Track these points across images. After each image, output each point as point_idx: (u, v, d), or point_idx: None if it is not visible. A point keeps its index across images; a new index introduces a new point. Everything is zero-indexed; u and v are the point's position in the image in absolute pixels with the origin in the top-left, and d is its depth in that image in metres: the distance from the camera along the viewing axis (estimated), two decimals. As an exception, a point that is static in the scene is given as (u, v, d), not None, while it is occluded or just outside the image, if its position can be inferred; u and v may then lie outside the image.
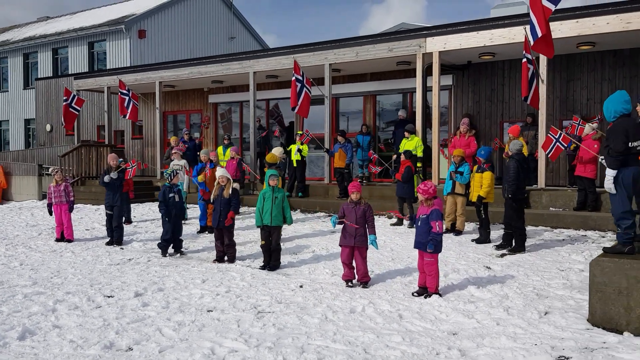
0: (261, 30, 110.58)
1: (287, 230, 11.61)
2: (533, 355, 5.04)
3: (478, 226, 10.22)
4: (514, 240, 9.32)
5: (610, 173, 5.86)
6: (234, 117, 19.72)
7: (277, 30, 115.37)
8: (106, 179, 10.69)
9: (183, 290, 7.36)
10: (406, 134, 13.26)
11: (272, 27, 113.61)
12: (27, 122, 31.33)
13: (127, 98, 17.25)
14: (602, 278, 5.68)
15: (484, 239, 9.94)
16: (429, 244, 6.72)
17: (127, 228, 12.57)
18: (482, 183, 9.82)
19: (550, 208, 11.62)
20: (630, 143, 5.80)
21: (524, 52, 10.64)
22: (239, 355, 5.09)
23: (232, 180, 9.36)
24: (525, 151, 11.49)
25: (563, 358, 4.95)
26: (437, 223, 6.68)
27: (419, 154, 13.20)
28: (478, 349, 5.23)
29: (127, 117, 18.17)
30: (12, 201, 19.44)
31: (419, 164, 13.34)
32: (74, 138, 21.40)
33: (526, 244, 9.51)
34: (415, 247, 7.09)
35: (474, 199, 10.00)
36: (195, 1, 31.40)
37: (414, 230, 10.97)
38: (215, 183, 9.27)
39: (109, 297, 7.07)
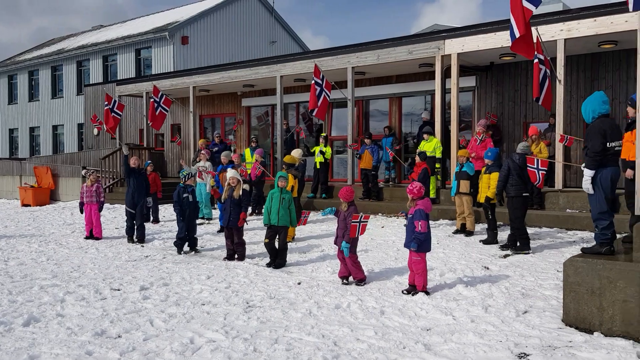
0: (313, 33, 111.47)
1: (303, 230, 11.96)
2: (494, 351, 5.17)
3: (486, 227, 10.26)
4: (517, 241, 9.35)
5: (587, 173, 5.90)
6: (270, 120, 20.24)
7: (329, 32, 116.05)
8: (124, 149, 11.73)
9: (186, 286, 7.79)
10: (425, 135, 13.37)
11: (324, 30, 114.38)
12: (80, 126, 32.90)
13: (157, 105, 17.94)
14: (576, 278, 5.73)
15: (491, 239, 9.98)
16: (412, 243, 6.91)
17: (153, 227, 13.25)
18: (489, 184, 9.86)
19: (567, 210, 11.49)
20: (608, 143, 5.83)
21: (535, 52, 10.59)
22: (215, 345, 5.44)
23: (242, 182, 9.76)
24: (545, 153, 11.48)
25: (523, 355, 5.07)
26: (420, 222, 6.86)
27: (438, 155, 13.28)
28: (444, 344, 5.40)
29: (150, 124, 18.92)
30: (59, 202, 20.57)
31: (437, 165, 13.43)
32: (116, 142, 22.44)
33: (535, 245, 9.51)
34: (404, 246, 7.28)
35: (481, 199, 10.06)
36: (236, 7, 32.24)
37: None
38: (226, 184, 9.70)
39: (117, 290, 7.58)
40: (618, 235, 7.59)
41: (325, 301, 6.91)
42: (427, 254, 9.20)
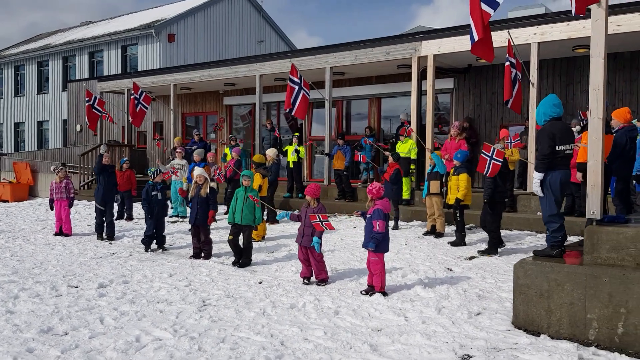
0: (308, 33, 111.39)
1: (274, 230, 11.93)
2: (439, 352, 5.16)
3: (454, 229, 10.26)
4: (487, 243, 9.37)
5: (536, 176, 5.91)
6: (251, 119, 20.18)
7: (324, 33, 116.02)
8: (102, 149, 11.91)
9: (146, 284, 7.73)
10: (400, 137, 13.37)
11: (319, 30, 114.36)
12: (65, 122, 32.69)
13: (137, 102, 17.86)
14: (525, 280, 5.73)
15: (459, 241, 9.97)
16: (370, 243, 6.89)
17: (126, 224, 13.18)
18: (458, 185, 9.87)
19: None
20: (557, 147, 5.83)
21: (507, 55, 10.61)
22: (160, 343, 5.40)
23: (209, 180, 9.72)
24: (516, 156, 11.50)
25: (466, 356, 5.06)
26: (378, 222, 6.84)
27: (413, 156, 13.28)
28: (391, 345, 5.38)
29: (131, 121, 18.83)
30: (38, 198, 20.43)
31: (412, 166, 13.43)
32: (97, 138, 22.30)
33: (503, 248, 9.51)
34: (362, 246, 7.27)
35: (451, 201, 10.06)
36: (224, 6, 32.14)
37: (398, 232, 11.18)
38: (193, 182, 9.65)
39: (74, 287, 7.51)
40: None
41: (282, 301, 6.88)
42: (393, 254, 9.30)
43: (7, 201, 19.80)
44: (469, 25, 12.92)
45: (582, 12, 5.79)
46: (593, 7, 5.73)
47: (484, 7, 7.04)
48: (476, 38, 7.24)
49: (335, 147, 14.52)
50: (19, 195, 20.15)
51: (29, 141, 34.78)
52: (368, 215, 7.07)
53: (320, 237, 7.59)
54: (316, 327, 5.90)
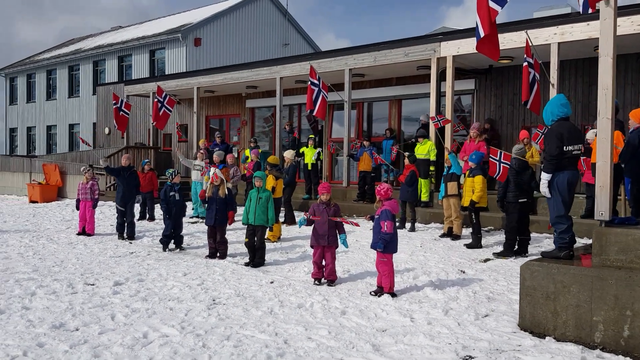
0: (335, 35, 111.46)
1: (292, 231, 12.01)
2: (441, 353, 5.15)
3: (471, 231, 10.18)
4: (503, 245, 9.29)
5: (544, 177, 5.84)
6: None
7: (351, 35, 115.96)
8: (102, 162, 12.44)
9: (160, 282, 7.87)
10: (419, 138, 13.32)
11: (347, 32, 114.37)
12: (94, 125, 33.39)
13: (160, 105, 18.15)
14: (532, 282, 5.68)
15: (475, 244, 9.89)
16: (378, 243, 6.90)
17: (148, 224, 13.43)
18: (473, 187, 9.79)
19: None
20: (565, 147, 5.76)
21: (525, 55, 10.49)
22: (166, 339, 5.50)
23: (225, 181, 9.84)
24: (537, 157, 11.37)
25: (468, 357, 5.04)
26: (385, 223, 6.85)
27: (432, 157, 13.21)
28: (394, 345, 5.39)
29: (154, 124, 19.14)
30: (66, 198, 20.90)
31: (432, 168, 13.36)
32: (124, 140, 22.75)
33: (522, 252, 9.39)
34: (371, 247, 7.28)
35: (466, 203, 9.98)
36: (249, 9, 32.46)
37: (414, 234, 11.15)
38: (209, 183, 9.79)
39: (91, 284, 7.69)
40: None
41: (290, 300, 6.93)
42: (407, 256, 9.30)
43: (37, 202, 20.32)
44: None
45: (593, 9, 5.72)
46: (601, 5, 5.65)
47: (492, 4, 6.99)
48: (482, 34, 7.17)
49: (361, 149, 14.55)
50: (48, 196, 20.66)
51: (60, 143, 35.62)
52: (376, 216, 7.09)
53: (343, 232, 7.79)
54: (321, 326, 5.94)
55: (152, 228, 12.92)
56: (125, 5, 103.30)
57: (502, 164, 8.43)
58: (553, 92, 11.58)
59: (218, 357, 5.07)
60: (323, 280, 7.89)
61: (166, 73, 28.42)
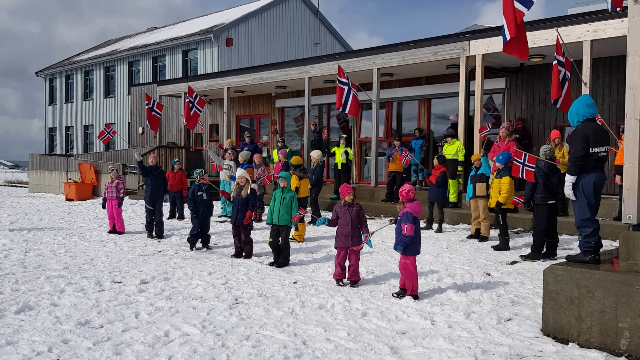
0: (369, 34, 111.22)
1: (318, 230, 12.02)
2: (459, 357, 5.09)
3: (498, 233, 10.02)
4: (530, 247, 9.13)
5: (569, 179, 5.70)
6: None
7: (384, 33, 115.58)
8: (136, 156, 12.34)
9: (185, 281, 7.99)
10: (447, 138, 13.18)
11: (379, 30, 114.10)
12: (129, 125, 34.03)
13: (191, 105, 18.39)
14: (555, 286, 5.56)
15: (502, 245, 9.74)
16: (398, 246, 6.86)
17: (177, 223, 13.63)
18: (500, 188, 9.64)
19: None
20: (590, 149, 5.62)
21: (555, 54, 10.27)
22: (186, 338, 5.58)
23: (250, 181, 9.91)
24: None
25: (487, 362, 4.97)
26: (405, 225, 6.80)
27: (460, 157, 13.06)
28: (412, 348, 5.35)
29: (185, 124, 19.39)
30: (101, 197, 21.33)
31: (460, 168, 13.21)
32: (157, 140, 23.14)
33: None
34: (394, 248, 7.23)
35: (492, 204, 9.84)
36: (281, 9, 32.60)
37: (441, 235, 11.05)
38: (235, 183, 9.88)
39: (118, 282, 7.86)
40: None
41: (312, 301, 6.94)
42: (432, 258, 9.21)
43: (73, 200, 20.85)
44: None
45: (619, 7, 5.57)
46: (630, 3, 5.49)
47: (517, 5, 6.87)
48: (508, 37, 7.05)
49: (390, 149, 14.47)
50: (83, 195, 21.18)
51: (96, 143, 36.40)
52: (398, 218, 7.05)
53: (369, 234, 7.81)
54: (341, 327, 5.94)
55: (180, 227, 13.12)
56: (160, 7, 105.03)
57: (525, 167, 8.27)
58: (586, 91, 11.32)
59: (236, 357, 5.12)
60: (345, 280, 7.88)
61: (198, 73, 28.79)
